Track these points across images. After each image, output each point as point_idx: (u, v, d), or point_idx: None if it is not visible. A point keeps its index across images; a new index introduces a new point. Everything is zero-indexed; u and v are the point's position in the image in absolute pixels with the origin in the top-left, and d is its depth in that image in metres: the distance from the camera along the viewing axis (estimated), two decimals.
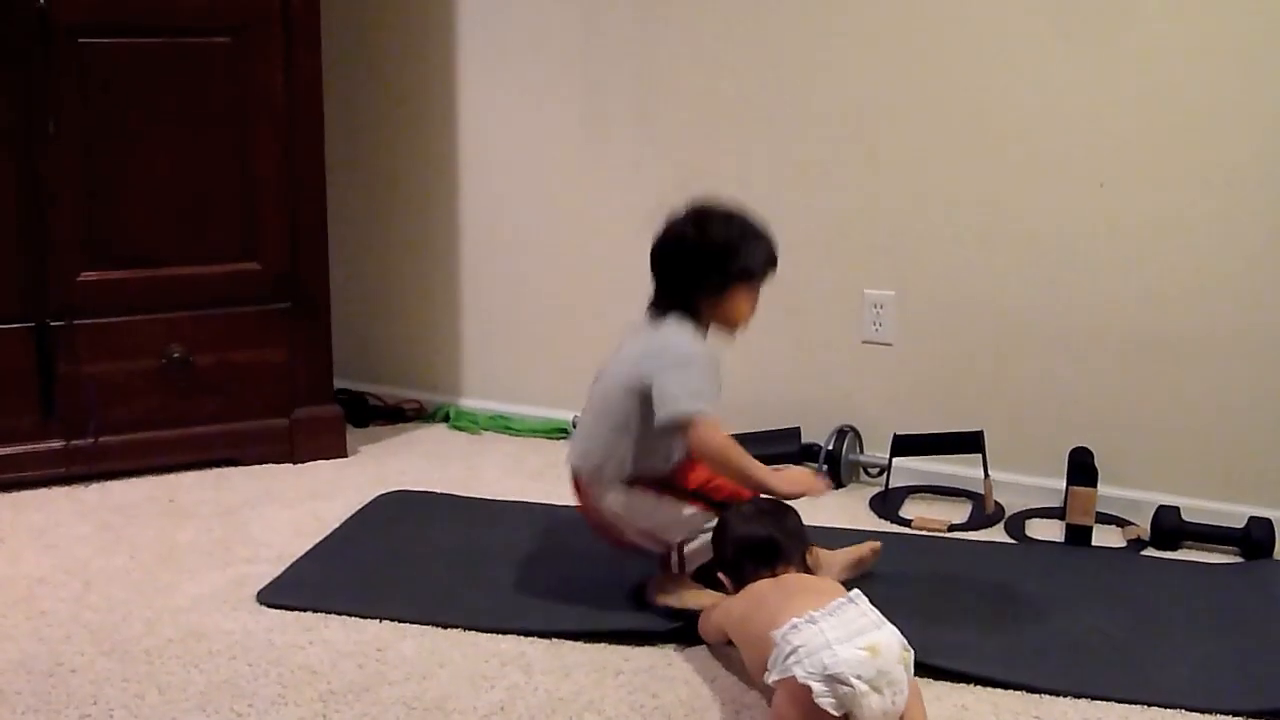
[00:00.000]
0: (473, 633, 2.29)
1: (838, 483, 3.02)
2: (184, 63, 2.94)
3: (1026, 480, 2.93)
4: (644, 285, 2.41)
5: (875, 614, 1.88)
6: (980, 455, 2.86)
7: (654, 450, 2.29)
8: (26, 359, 2.92)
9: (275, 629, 2.30)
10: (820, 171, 3.07)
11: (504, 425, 3.46)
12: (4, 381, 2.91)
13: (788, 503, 2.24)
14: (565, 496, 2.47)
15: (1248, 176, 2.69)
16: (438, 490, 2.98)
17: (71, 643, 2.25)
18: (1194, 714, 2.04)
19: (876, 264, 3.05)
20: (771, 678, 1.87)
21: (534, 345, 3.47)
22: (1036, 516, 2.86)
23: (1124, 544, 2.73)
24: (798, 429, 3.06)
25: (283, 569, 2.53)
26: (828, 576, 2.31)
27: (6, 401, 2.91)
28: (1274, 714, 2.03)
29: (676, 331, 2.26)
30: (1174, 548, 2.70)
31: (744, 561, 2.15)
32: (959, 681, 2.12)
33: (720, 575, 2.21)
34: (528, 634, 2.28)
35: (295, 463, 3.14)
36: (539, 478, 3.07)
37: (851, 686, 1.77)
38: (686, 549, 2.35)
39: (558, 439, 3.33)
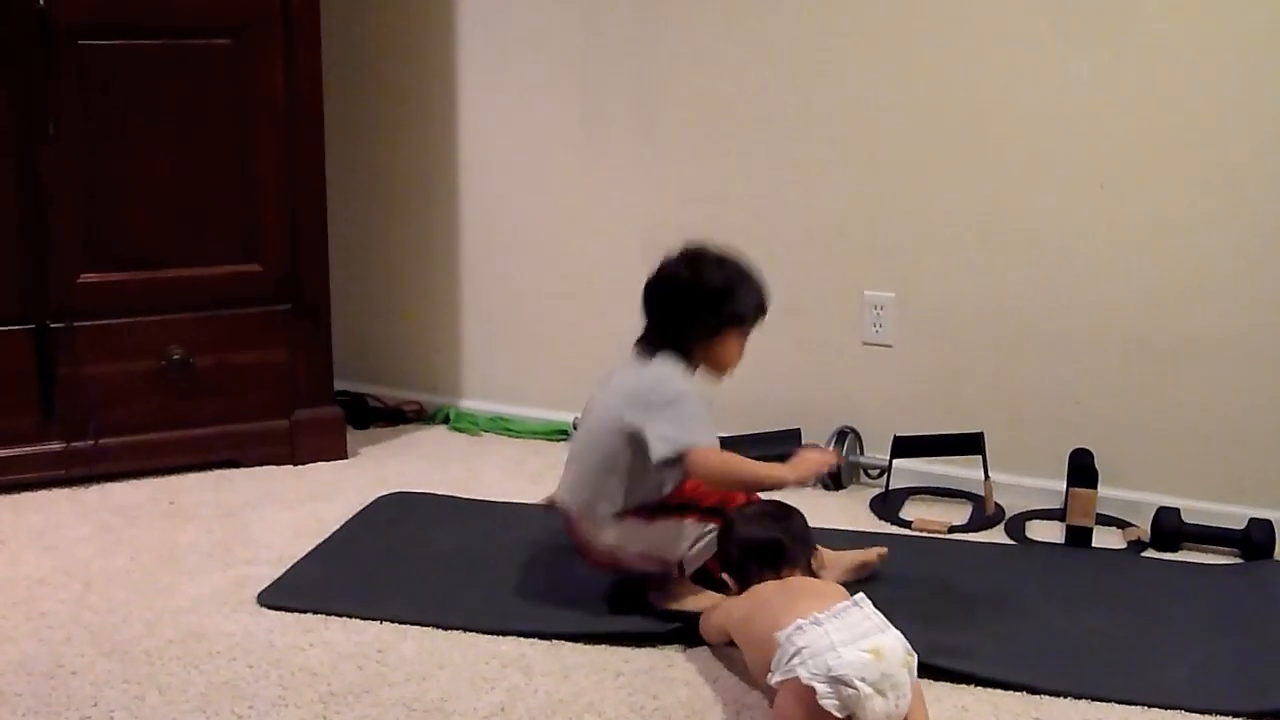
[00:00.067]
0: (473, 634, 2.29)
1: (838, 484, 3.02)
2: (184, 64, 2.94)
3: (1027, 482, 2.93)
4: (643, 285, 2.42)
5: (879, 617, 1.88)
6: (980, 457, 2.86)
7: (644, 483, 2.29)
8: (26, 360, 2.92)
9: (275, 630, 2.30)
10: (820, 171, 3.07)
11: (504, 427, 3.46)
12: (4, 383, 2.91)
13: (794, 506, 2.24)
14: None
15: (1248, 177, 2.69)
16: (438, 492, 2.98)
17: (72, 644, 2.25)
18: (1194, 715, 2.04)
19: (877, 265, 3.05)
20: (775, 679, 1.87)
21: (534, 346, 3.47)
22: (1037, 518, 2.86)
23: (1124, 545, 2.73)
24: (798, 430, 3.05)
25: (283, 570, 2.53)
26: (833, 574, 2.32)
27: (6, 403, 2.91)
28: (1274, 715, 2.03)
29: (663, 368, 2.28)
30: (1174, 549, 2.69)
31: (749, 563, 2.15)
32: (959, 682, 2.12)
33: (724, 575, 2.21)
34: (528, 635, 2.28)
35: (295, 464, 3.14)
36: (539, 479, 3.06)
37: (855, 689, 1.77)
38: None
39: (558, 440, 3.33)
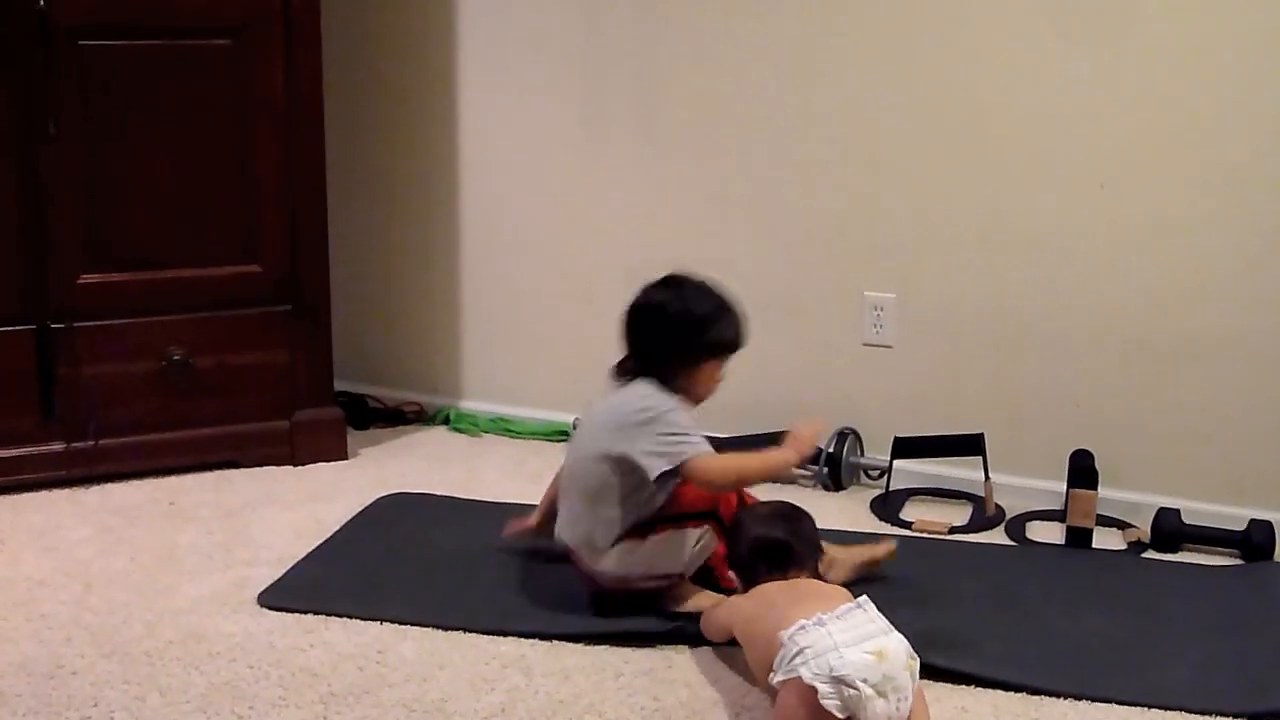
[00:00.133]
0: (473, 635, 2.29)
1: (838, 485, 3.02)
2: (184, 64, 2.94)
3: (1027, 483, 2.93)
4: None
5: (883, 620, 1.89)
6: (981, 458, 2.86)
7: (639, 505, 2.29)
8: (27, 361, 2.91)
9: (276, 631, 2.30)
10: (820, 172, 3.07)
11: (504, 427, 3.46)
12: (4, 383, 2.91)
13: (805, 509, 2.25)
14: None
15: (1248, 177, 2.69)
16: (438, 492, 2.98)
17: (72, 645, 2.25)
18: (1194, 716, 2.04)
19: (877, 266, 3.05)
20: (777, 678, 1.88)
21: (534, 347, 3.47)
22: (1037, 519, 2.86)
23: (1124, 546, 2.73)
24: None
25: (283, 571, 2.53)
26: (839, 572, 2.34)
27: (7, 403, 2.91)
28: (1274, 716, 2.03)
29: (640, 389, 2.29)
30: (1174, 550, 2.70)
31: (757, 563, 2.16)
32: (959, 683, 2.12)
33: (731, 573, 2.22)
34: (528, 636, 2.28)
35: (295, 465, 3.14)
36: (539, 480, 3.05)
37: (857, 689, 1.77)
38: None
39: (558, 441, 3.33)
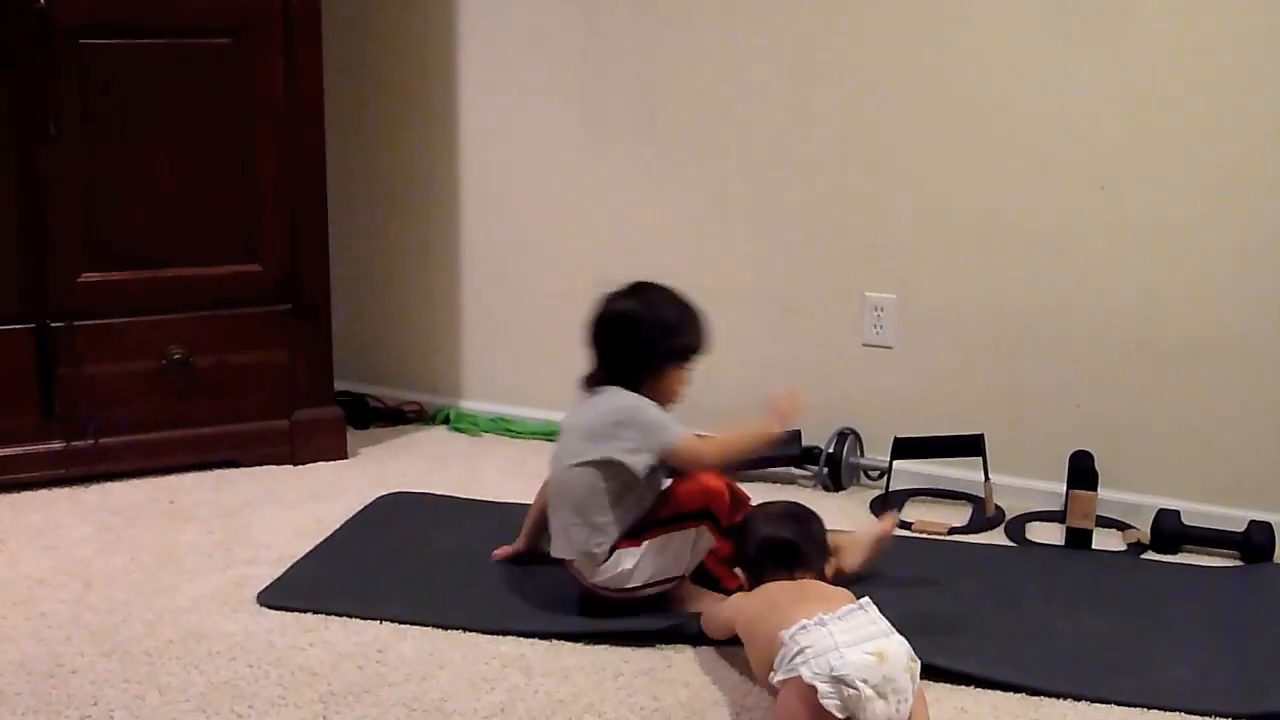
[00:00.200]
0: (473, 634, 2.29)
1: (838, 485, 3.02)
2: (184, 64, 2.94)
3: (1027, 483, 2.93)
4: None
5: (885, 622, 1.89)
6: (981, 458, 2.85)
7: (630, 505, 2.31)
8: (27, 360, 2.91)
9: (275, 630, 2.30)
10: (820, 172, 3.07)
11: (504, 427, 3.46)
12: (4, 382, 2.91)
13: (815, 511, 2.26)
14: None
15: (1248, 178, 2.69)
16: (438, 492, 2.98)
17: (72, 644, 2.25)
18: (1193, 716, 2.05)
19: (877, 267, 3.05)
20: (777, 677, 1.88)
21: (534, 347, 3.47)
22: (1037, 520, 2.86)
23: (1124, 547, 2.73)
24: (798, 431, 3.05)
25: (283, 570, 2.53)
26: (854, 555, 2.36)
27: (6, 402, 2.91)
28: (1273, 716, 2.03)
29: (609, 394, 2.32)
30: (1174, 551, 2.69)
31: (765, 561, 2.16)
32: (959, 683, 2.12)
33: (738, 570, 2.22)
34: (528, 635, 2.28)
35: (295, 464, 3.14)
36: (539, 480, 3.04)
37: (857, 689, 1.77)
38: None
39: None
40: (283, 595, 2.43)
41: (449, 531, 2.74)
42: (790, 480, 3.08)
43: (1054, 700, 2.09)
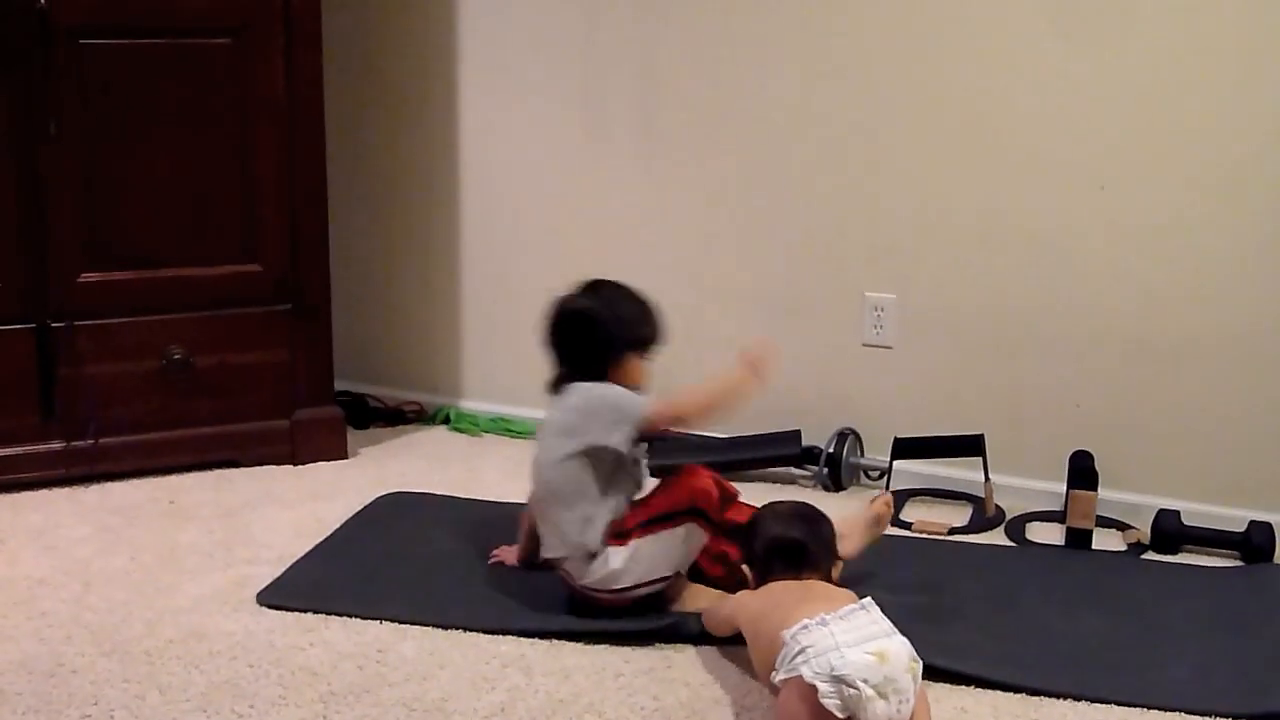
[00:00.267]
0: (473, 634, 2.29)
1: (838, 485, 3.02)
2: (184, 63, 2.94)
3: (1027, 483, 2.93)
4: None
5: (887, 623, 1.89)
6: (981, 458, 2.85)
7: (619, 488, 2.32)
8: (27, 360, 2.91)
9: (276, 630, 2.30)
10: (820, 172, 3.07)
11: (504, 427, 3.46)
12: (4, 382, 2.91)
13: (826, 513, 2.26)
14: None
15: (1248, 177, 2.70)
16: (438, 492, 2.98)
17: (72, 643, 2.25)
18: (1193, 717, 2.05)
19: (877, 267, 3.05)
20: (779, 676, 1.88)
21: (535, 347, 3.43)
22: (1037, 520, 2.86)
23: (1124, 547, 2.73)
24: (798, 432, 3.06)
25: (283, 570, 2.53)
26: (851, 541, 2.35)
27: (6, 402, 2.91)
28: (1273, 716, 2.03)
29: (574, 390, 2.36)
30: (1174, 551, 2.70)
31: (773, 560, 2.16)
32: (959, 683, 2.12)
33: (744, 567, 2.22)
34: (528, 635, 2.28)
35: (296, 464, 3.14)
36: None
37: (857, 689, 1.77)
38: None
39: None
40: (283, 595, 2.43)
41: (449, 531, 2.74)
42: (790, 480, 3.08)
43: (1054, 700, 2.09)
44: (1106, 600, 2.44)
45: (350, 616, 2.34)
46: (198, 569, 2.56)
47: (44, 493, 2.93)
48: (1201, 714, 2.04)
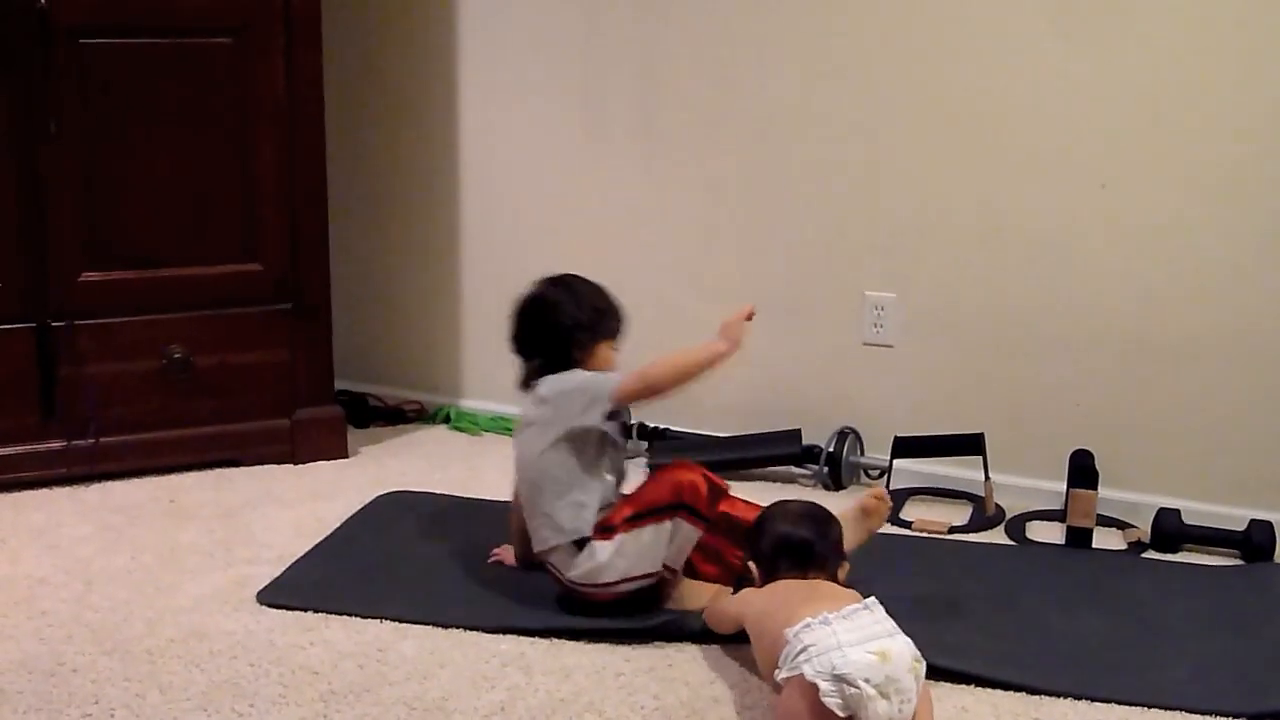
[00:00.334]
0: (473, 633, 2.29)
1: (838, 485, 3.02)
2: (184, 63, 2.94)
3: (1027, 482, 2.94)
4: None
5: (890, 623, 1.89)
6: (981, 457, 2.85)
7: (603, 469, 2.34)
8: (27, 360, 2.92)
9: (276, 629, 2.30)
10: (820, 172, 3.07)
11: (505, 426, 3.45)
12: (4, 382, 2.91)
13: (835, 515, 2.25)
14: None
15: (1248, 177, 2.70)
16: (438, 491, 2.98)
17: (73, 643, 2.25)
18: (1193, 716, 2.04)
19: (877, 266, 3.05)
20: (781, 675, 1.88)
21: None
22: (1037, 519, 2.86)
23: (1124, 546, 2.73)
24: (798, 431, 3.06)
25: (283, 569, 2.53)
26: (848, 536, 2.32)
27: (7, 402, 2.91)
28: (1273, 716, 2.03)
29: (542, 381, 2.37)
30: (1174, 550, 2.70)
31: (780, 559, 2.16)
32: (959, 682, 2.12)
33: (750, 564, 2.22)
34: (528, 634, 2.28)
35: (296, 463, 3.14)
36: None
37: (858, 689, 1.77)
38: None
39: None
40: (283, 594, 2.43)
41: (449, 531, 2.74)
42: (790, 479, 3.08)
43: (1054, 699, 2.09)
44: (1107, 599, 2.44)
45: (350, 615, 2.34)
46: (198, 568, 2.56)
47: (45, 492, 2.93)
48: (1202, 713, 2.04)
